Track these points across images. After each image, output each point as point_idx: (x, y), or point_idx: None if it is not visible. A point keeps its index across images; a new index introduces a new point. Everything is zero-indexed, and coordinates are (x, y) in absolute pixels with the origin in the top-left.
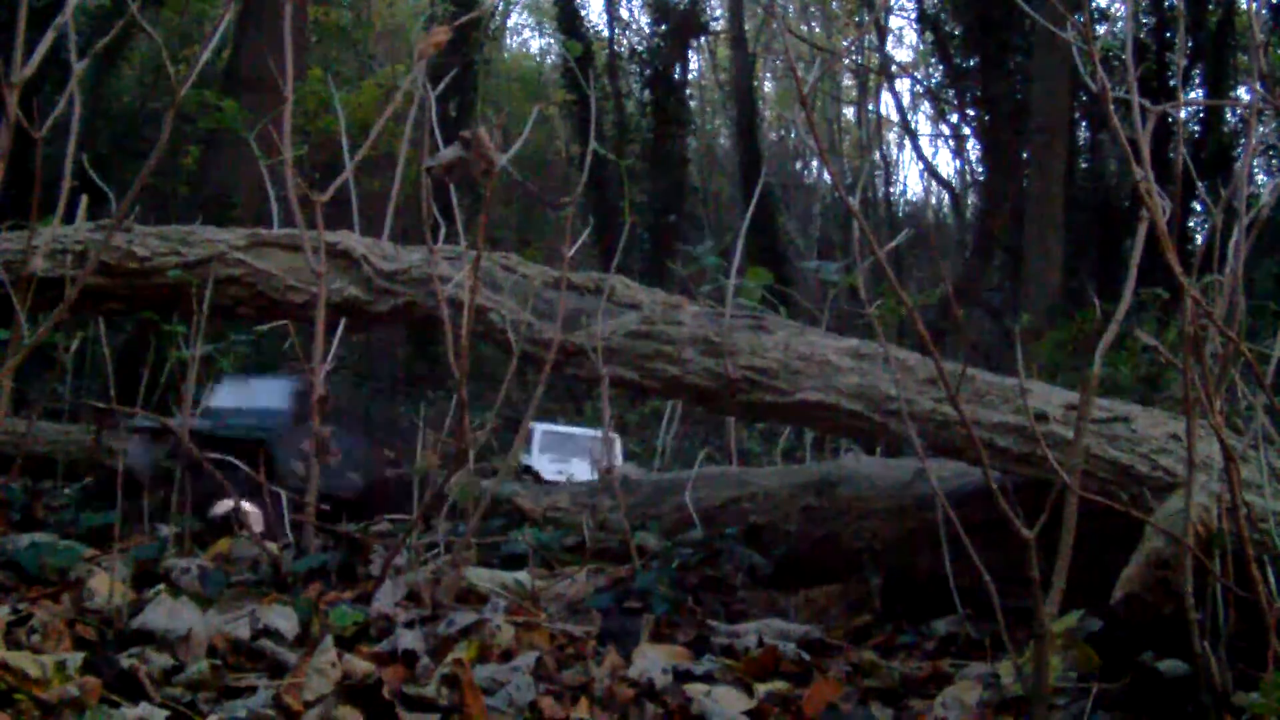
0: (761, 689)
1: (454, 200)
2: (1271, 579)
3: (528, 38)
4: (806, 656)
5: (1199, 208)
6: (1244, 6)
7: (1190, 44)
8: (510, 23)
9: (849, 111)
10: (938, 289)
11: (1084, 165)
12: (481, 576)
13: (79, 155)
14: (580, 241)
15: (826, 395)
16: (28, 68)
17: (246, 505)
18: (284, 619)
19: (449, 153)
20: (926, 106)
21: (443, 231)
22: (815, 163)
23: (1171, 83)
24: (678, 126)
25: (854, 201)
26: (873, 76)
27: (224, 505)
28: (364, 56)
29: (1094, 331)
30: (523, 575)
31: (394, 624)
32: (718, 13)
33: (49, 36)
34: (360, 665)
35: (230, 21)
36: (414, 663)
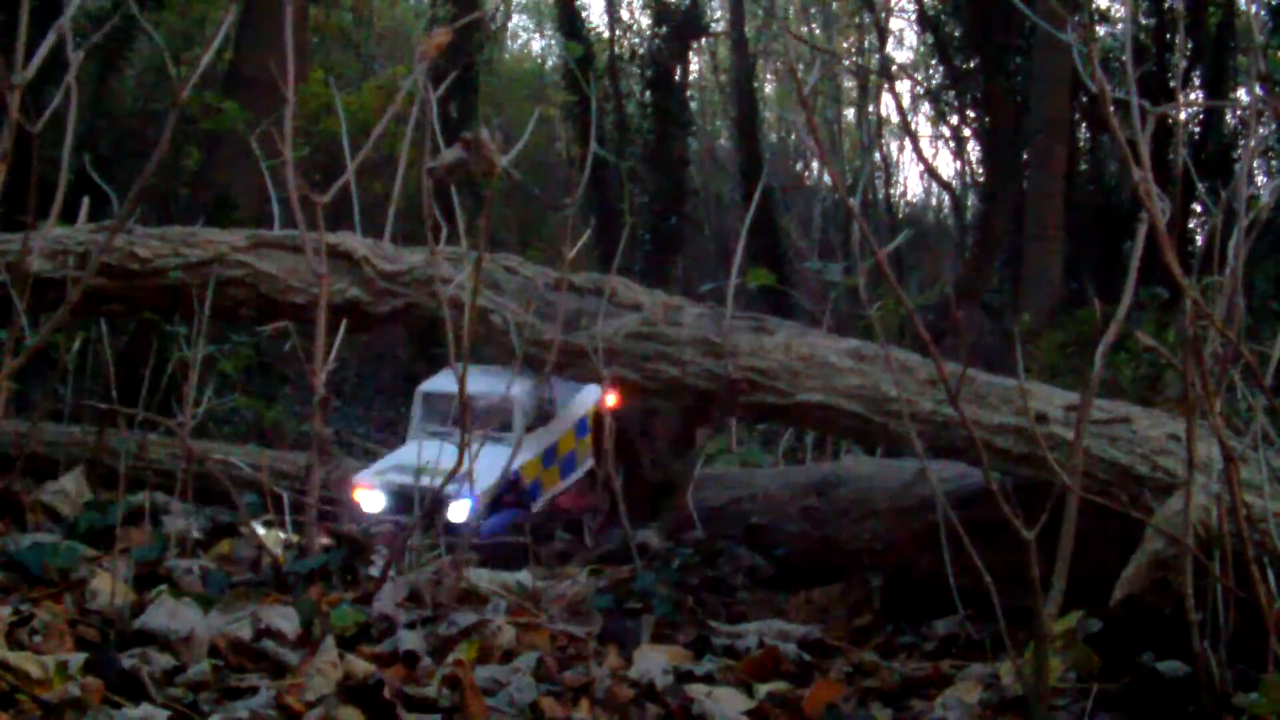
0: (762, 689)
1: (455, 201)
2: (1271, 579)
3: (528, 39)
4: (807, 657)
5: (1199, 209)
6: (1243, 8)
7: (1190, 45)
8: (511, 24)
9: (849, 113)
10: (936, 288)
11: (1084, 166)
12: (482, 577)
13: (80, 156)
14: (581, 243)
15: (827, 396)
16: (29, 70)
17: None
18: (285, 619)
19: (450, 154)
20: (927, 108)
21: (444, 233)
22: (816, 164)
23: (1171, 84)
24: (678, 128)
25: (854, 203)
26: (873, 78)
27: None
28: (365, 58)
29: (1094, 332)
30: (523, 575)
31: (395, 625)
32: (718, 14)
33: (50, 38)
34: (361, 666)
35: (232, 23)
36: (415, 663)
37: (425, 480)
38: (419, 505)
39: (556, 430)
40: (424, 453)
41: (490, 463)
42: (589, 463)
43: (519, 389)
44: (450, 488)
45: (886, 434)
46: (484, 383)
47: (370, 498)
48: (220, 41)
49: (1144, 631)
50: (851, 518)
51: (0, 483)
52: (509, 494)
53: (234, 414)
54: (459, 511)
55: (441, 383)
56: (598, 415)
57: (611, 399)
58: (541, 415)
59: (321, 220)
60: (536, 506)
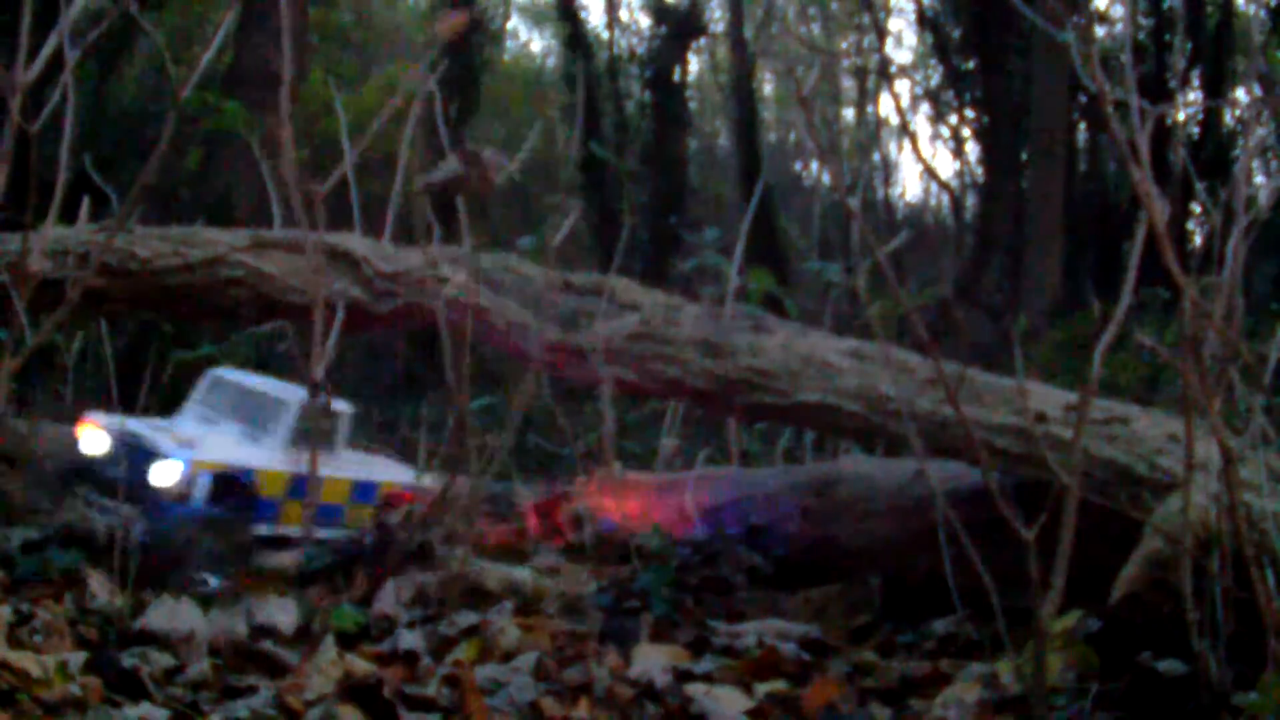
0: (761, 689)
1: (458, 203)
2: (1270, 579)
3: (528, 38)
4: (806, 656)
5: (1198, 209)
6: (1242, 9)
7: (1189, 46)
8: (510, 24)
9: (849, 113)
10: (933, 288)
11: (1083, 167)
12: (489, 573)
13: (80, 156)
14: (563, 232)
15: (826, 396)
16: (30, 71)
17: None
18: (284, 613)
19: (447, 169)
20: (926, 108)
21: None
22: (815, 164)
23: (1170, 84)
24: (678, 128)
25: (854, 203)
26: (872, 78)
27: None
28: (365, 58)
29: (1093, 332)
30: (526, 572)
31: (395, 624)
32: (718, 14)
33: (51, 41)
34: (361, 665)
35: (232, 23)
36: (415, 663)
37: (153, 434)
38: (129, 454)
39: (329, 468)
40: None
41: (231, 448)
42: (358, 531)
43: (295, 395)
44: (169, 446)
45: (886, 434)
46: (275, 386)
47: (93, 437)
48: (220, 41)
49: (1143, 631)
50: (851, 518)
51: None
52: (235, 492)
53: None
54: (166, 472)
55: (233, 373)
56: (390, 498)
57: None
58: (324, 441)
59: (321, 218)
60: (263, 528)
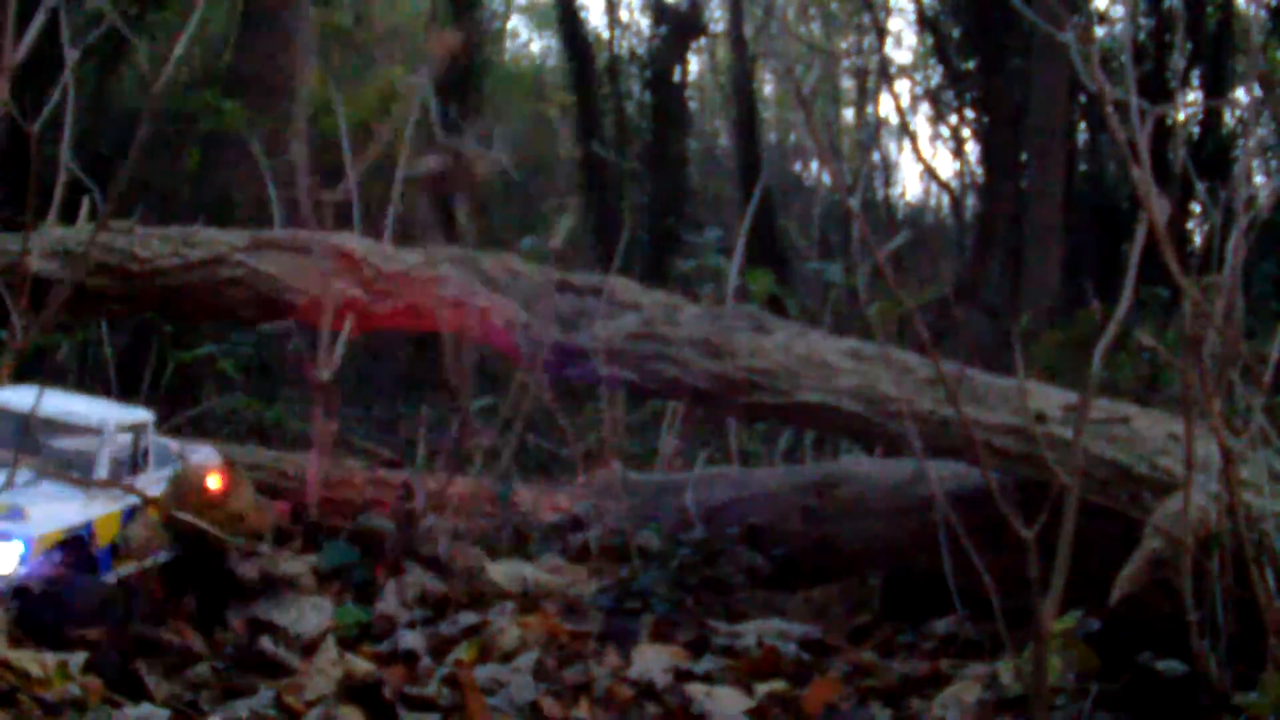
0: (761, 689)
1: (455, 203)
2: (1270, 579)
3: (528, 38)
4: (806, 656)
5: (1198, 209)
6: (1242, 8)
7: (1189, 46)
8: (510, 25)
9: (848, 113)
10: (932, 287)
11: (1084, 167)
12: (499, 571)
13: (80, 156)
14: (565, 231)
15: (826, 396)
16: (18, 53)
17: None
18: (316, 609)
19: (433, 162)
20: (926, 108)
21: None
22: (815, 164)
23: (1170, 84)
24: (678, 128)
25: (854, 203)
26: (872, 78)
27: None
28: (366, 58)
29: (1093, 332)
30: (537, 569)
31: (396, 624)
32: (718, 14)
33: (37, 24)
34: (362, 665)
35: (232, 23)
36: (415, 663)
37: None
38: None
39: (150, 489)
40: None
41: (66, 505)
42: (161, 555)
43: (109, 417)
44: None
45: (886, 434)
46: (71, 406)
47: None
48: (220, 42)
49: (1143, 631)
50: (851, 518)
51: None
52: (71, 554)
53: (234, 414)
54: (7, 557)
55: (12, 397)
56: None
57: (217, 481)
58: (132, 463)
59: (328, 220)
60: (108, 578)
